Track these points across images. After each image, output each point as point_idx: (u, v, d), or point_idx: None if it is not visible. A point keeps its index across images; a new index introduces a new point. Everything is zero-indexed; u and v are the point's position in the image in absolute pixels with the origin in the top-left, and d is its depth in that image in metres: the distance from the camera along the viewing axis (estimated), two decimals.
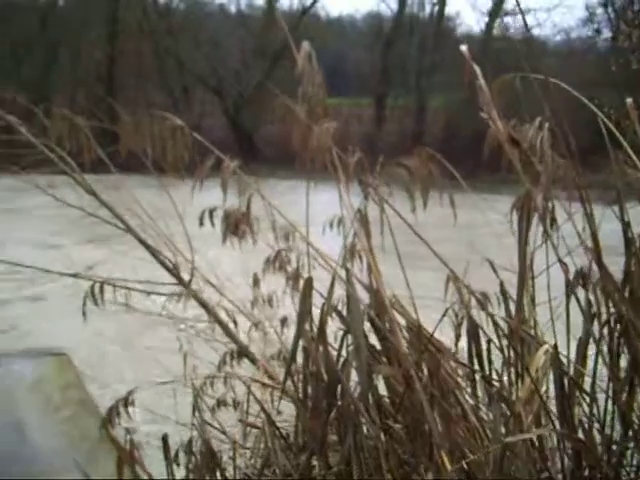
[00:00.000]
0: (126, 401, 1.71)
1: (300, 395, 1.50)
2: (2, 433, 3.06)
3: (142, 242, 2.53)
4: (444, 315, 1.49)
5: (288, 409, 1.99)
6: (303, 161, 1.34)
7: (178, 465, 1.79)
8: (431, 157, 1.50)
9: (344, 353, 1.41)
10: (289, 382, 1.65)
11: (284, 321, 2.44)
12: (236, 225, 1.60)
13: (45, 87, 20.60)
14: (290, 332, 2.65)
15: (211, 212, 1.68)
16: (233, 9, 27.54)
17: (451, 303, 1.55)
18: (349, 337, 1.40)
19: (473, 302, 1.63)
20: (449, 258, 1.72)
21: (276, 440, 1.65)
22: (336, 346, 1.41)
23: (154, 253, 2.53)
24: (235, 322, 2.37)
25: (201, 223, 1.71)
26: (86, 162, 2.28)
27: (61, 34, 24.70)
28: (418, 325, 1.39)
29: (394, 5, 22.37)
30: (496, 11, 21.17)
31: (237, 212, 1.59)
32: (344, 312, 1.40)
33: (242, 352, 2.39)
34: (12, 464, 2.84)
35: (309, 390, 1.44)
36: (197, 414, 1.81)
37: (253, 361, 2.38)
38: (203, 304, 2.47)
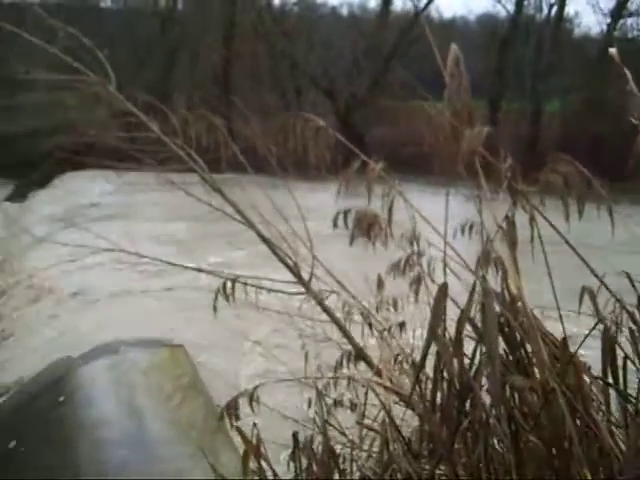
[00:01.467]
0: (251, 396, 1.74)
1: (427, 401, 1.48)
2: (121, 418, 3.20)
3: (264, 239, 2.58)
4: (593, 328, 1.43)
5: (401, 412, 1.98)
6: (445, 165, 1.32)
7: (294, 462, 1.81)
8: (569, 164, 1.44)
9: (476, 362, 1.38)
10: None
11: (402, 325, 2.42)
12: (369, 227, 1.60)
13: (165, 89, 21.50)
14: (407, 337, 2.64)
15: (345, 213, 1.69)
16: (345, 12, 27.86)
17: (598, 316, 1.48)
18: (481, 346, 1.37)
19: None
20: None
21: (399, 444, 1.63)
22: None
23: (275, 251, 2.57)
24: (370, 325, 2.36)
25: (335, 224, 1.72)
26: (223, 160, 2.35)
27: (180, 38, 25.76)
28: (564, 337, 1.34)
29: (510, 6, 21.85)
30: (619, 12, 20.30)
31: (370, 214, 1.59)
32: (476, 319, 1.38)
33: (359, 354, 2.39)
34: (132, 449, 2.97)
35: (438, 396, 1.42)
36: (317, 412, 1.83)
37: (370, 364, 2.37)
38: (322, 304, 2.48)
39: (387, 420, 1.67)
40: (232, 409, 1.92)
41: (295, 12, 26.30)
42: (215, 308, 2.18)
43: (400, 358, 2.33)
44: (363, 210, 1.62)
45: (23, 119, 24.40)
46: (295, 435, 1.67)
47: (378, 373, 2.21)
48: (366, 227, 1.62)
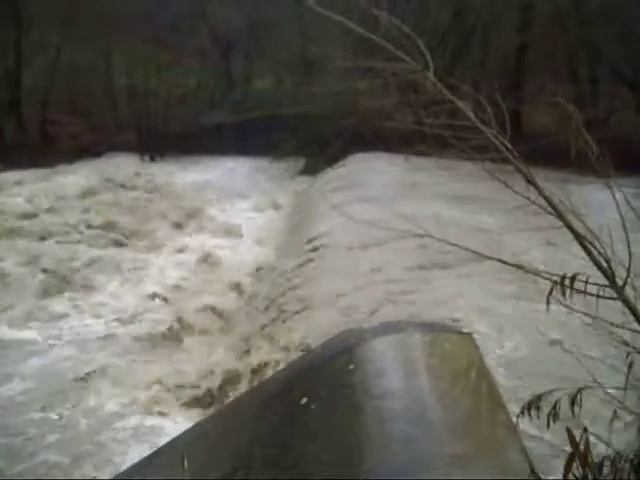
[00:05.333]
0: (573, 399, 1.67)
1: None
2: (405, 395, 3.28)
3: (578, 236, 2.47)
4: None
5: None
6: None
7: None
8: None
9: None
10: None
11: None
12: None
13: (454, 76, 21.55)
14: None
15: None
16: None
17: None
18: None
19: None
20: None
21: None
22: None
23: (589, 250, 2.45)
24: None
25: None
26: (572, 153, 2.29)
27: (474, 24, 25.55)
28: None
29: None
30: None
31: None
32: None
33: None
34: (415, 426, 3.04)
35: None
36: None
37: None
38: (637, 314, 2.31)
39: None
40: (532, 408, 1.87)
41: None
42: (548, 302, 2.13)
43: None
44: None
45: (320, 101, 26.27)
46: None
47: None
48: None
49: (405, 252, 9.44)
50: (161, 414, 8.10)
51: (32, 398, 8.45)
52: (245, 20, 33.74)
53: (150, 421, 7.94)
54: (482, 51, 25.06)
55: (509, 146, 2.77)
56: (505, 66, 23.31)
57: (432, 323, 3.95)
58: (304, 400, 3.50)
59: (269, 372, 7.44)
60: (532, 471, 1.79)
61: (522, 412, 1.89)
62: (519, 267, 2.75)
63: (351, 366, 3.44)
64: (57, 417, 8.11)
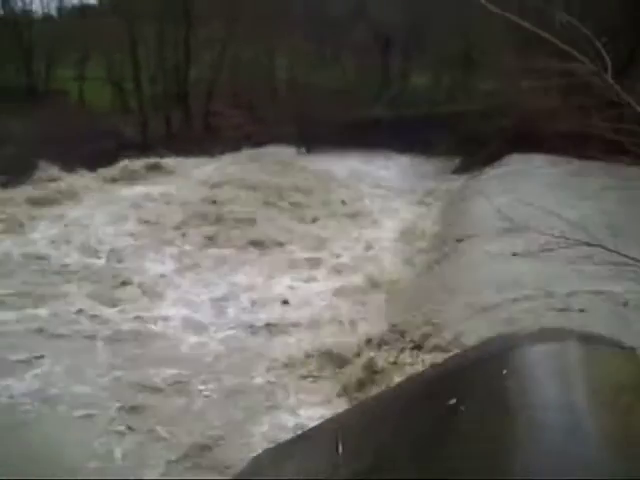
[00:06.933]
0: None
1: None
2: (559, 407, 3.18)
3: None
4: None
5: None
6: None
7: None
8: None
9: None
10: None
11: None
12: None
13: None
14: None
15: None
16: None
17: None
18: None
19: None
20: None
21: None
22: None
23: None
24: None
25: None
26: None
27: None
28: None
29: None
30: None
31: None
32: None
33: None
34: (567, 440, 2.94)
35: None
36: None
37: None
38: None
39: None
40: None
41: None
42: None
43: None
44: None
45: (479, 99, 25.72)
46: None
47: None
48: None
49: (572, 261, 8.90)
50: None
51: None
52: (405, 16, 33.66)
53: None
54: None
55: None
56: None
57: (592, 335, 3.77)
58: (453, 401, 3.50)
59: None
60: None
61: None
62: None
63: (504, 371, 3.39)
64: None
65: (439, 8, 32.13)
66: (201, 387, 9.06)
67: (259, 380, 9.28)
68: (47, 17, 34.53)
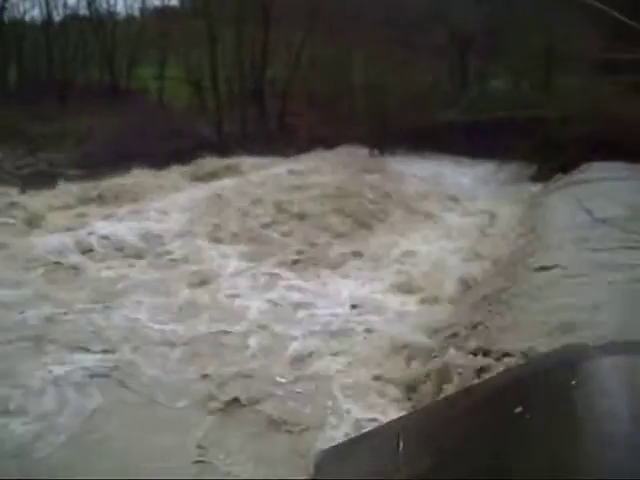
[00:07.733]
0: None
1: None
2: (628, 421, 3.11)
3: None
4: None
5: None
6: None
7: None
8: None
9: None
10: None
11: None
12: None
13: None
14: None
15: None
16: None
17: None
18: None
19: None
20: None
21: None
22: None
23: None
24: None
25: None
26: None
27: None
28: None
29: None
30: None
31: None
32: None
33: None
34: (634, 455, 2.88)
35: None
36: None
37: None
38: None
39: None
40: None
41: None
42: None
43: None
44: None
45: (559, 104, 25.03)
46: None
47: None
48: None
49: None
50: None
51: None
52: (484, 19, 33.12)
53: None
54: None
55: None
56: None
57: None
58: (519, 409, 3.47)
59: None
60: None
61: None
62: None
63: (573, 382, 3.34)
64: None
65: (521, 10, 31.48)
66: None
67: None
68: (130, 18, 35.74)
